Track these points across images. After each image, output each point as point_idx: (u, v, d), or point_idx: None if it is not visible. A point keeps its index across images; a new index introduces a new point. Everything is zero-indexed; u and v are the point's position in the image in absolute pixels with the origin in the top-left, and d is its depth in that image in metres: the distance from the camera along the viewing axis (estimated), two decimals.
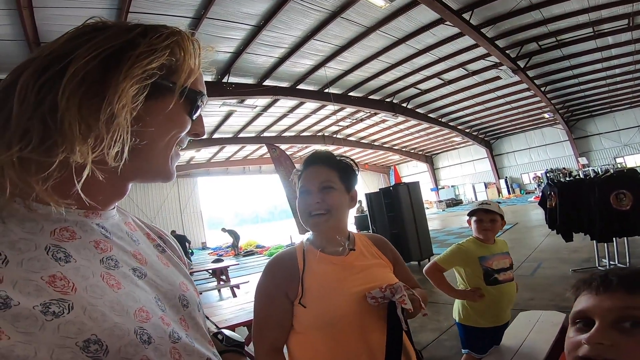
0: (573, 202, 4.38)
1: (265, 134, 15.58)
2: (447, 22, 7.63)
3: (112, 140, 0.39)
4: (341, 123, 15.91)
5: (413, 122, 16.05)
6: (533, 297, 3.87)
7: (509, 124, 20.24)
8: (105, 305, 0.40)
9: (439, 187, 26.95)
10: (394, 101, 13.50)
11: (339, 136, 18.09)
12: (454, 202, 24.48)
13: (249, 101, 10.77)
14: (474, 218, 2.02)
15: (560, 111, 17.09)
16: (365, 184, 27.70)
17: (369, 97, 12.72)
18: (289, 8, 6.67)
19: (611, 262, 4.47)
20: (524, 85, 12.71)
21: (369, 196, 7.75)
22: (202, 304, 0.60)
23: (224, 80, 8.97)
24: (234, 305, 3.39)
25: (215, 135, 14.22)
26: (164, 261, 0.57)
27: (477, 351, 1.89)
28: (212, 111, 11.39)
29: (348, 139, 18.97)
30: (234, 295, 5.97)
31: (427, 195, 26.70)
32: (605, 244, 4.41)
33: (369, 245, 1.12)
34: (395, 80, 11.61)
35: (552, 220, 4.67)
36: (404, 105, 14.09)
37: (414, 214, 6.99)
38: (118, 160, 0.41)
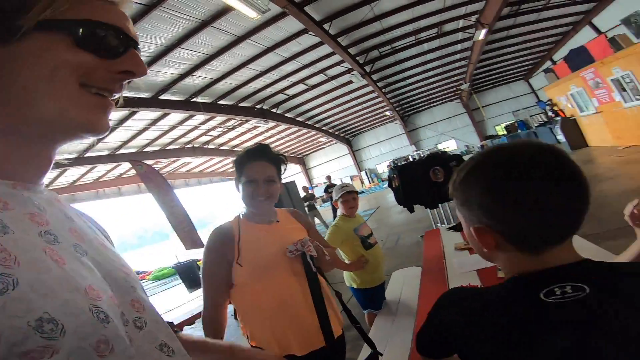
0: (409, 181, 5.49)
1: (122, 151, 13.68)
2: (310, 32, 8.40)
3: None
4: (212, 133, 15.41)
5: (283, 126, 16.85)
6: (400, 262, 4.74)
7: (362, 122, 23.45)
8: (54, 280, 0.36)
9: (314, 185, 29.03)
10: (264, 107, 13.93)
11: (210, 146, 17.41)
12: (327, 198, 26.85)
13: None
14: (341, 200, 2.52)
15: (396, 109, 20.90)
16: None
17: (240, 105, 12.76)
18: (153, 16, 6.24)
19: (443, 225, 5.65)
20: (370, 88, 14.94)
21: None
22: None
23: None
24: None
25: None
26: (101, 241, 0.52)
27: (374, 307, 2.41)
28: None
29: (220, 148, 18.47)
30: None
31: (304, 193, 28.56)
32: (435, 211, 5.74)
33: (288, 216, 1.50)
34: (264, 87, 12.02)
35: (398, 198, 5.80)
36: (274, 110, 14.70)
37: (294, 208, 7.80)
38: None
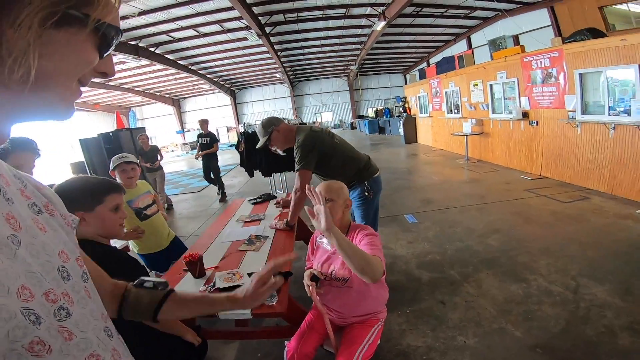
0: (253, 148, 5.52)
1: None
2: None
3: (16, 63, 0.35)
4: None
5: (160, 66, 14.67)
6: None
7: (251, 78, 22.46)
8: None
9: (185, 130, 26.71)
10: (140, 44, 11.78)
11: None
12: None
13: None
14: (117, 170, 2.43)
15: (287, 73, 20.87)
16: (96, 125, 23.05)
17: None
18: None
19: (279, 192, 6.47)
20: (265, 48, 14.37)
21: (85, 142, 7.43)
22: (88, 272, 0.54)
23: None
24: None
25: None
26: (40, 225, 0.48)
27: (159, 270, 2.49)
28: None
29: None
30: None
31: (174, 137, 26.03)
32: (272, 178, 6.52)
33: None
34: (145, 26, 10.13)
35: (242, 161, 6.20)
36: (152, 49, 12.60)
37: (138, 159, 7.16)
38: (23, 83, 0.36)
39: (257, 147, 2.60)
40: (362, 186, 2.46)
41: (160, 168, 6.53)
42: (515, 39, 9.71)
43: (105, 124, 22.96)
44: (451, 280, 2.99)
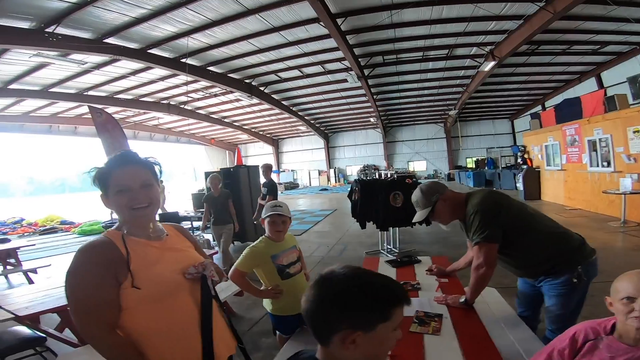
0: (368, 197, 5.38)
1: (92, 93, 12.55)
2: (321, 23, 8.04)
3: None
4: (192, 95, 14.50)
5: (266, 105, 16.29)
6: None
7: (345, 121, 23.37)
8: None
9: (281, 170, 28.61)
10: (253, 83, 13.31)
11: (187, 107, 16.41)
12: (292, 186, 26.62)
13: (77, 56, 8.51)
14: (268, 219, 2.20)
15: (382, 117, 21.04)
16: (210, 160, 26.40)
17: (229, 75, 12.08)
18: None
19: (388, 246, 5.78)
20: (362, 91, 14.81)
21: (208, 175, 7.55)
22: None
23: (49, 30, 7.06)
24: (35, 292, 2.97)
25: (14, 86, 10.66)
26: None
27: (285, 333, 2.24)
28: (17, 60, 8.65)
29: (196, 111, 17.49)
30: (30, 281, 4.97)
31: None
32: (385, 232, 5.69)
33: (176, 232, 1.35)
34: (259, 64, 11.44)
35: (354, 210, 5.67)
36: (262, 89, 14.10)
37: (251, 196, 7.16)
38: None
39: (414, 220, 2.21)
40: (571, 272, 1.83)
41: (231, 222, 5.18)
42: None
43: (217, 160, 26.15)
44: None
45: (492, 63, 10.72)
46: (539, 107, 17.91)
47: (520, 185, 11.71)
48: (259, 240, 2.23)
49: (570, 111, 8.97)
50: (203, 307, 1.19)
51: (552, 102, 15.63)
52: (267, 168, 5.98)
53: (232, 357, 1.33)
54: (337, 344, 0.72)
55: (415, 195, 2.09)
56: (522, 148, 14.84)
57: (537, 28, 8.41)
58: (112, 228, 1.19)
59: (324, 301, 0.73)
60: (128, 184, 1.13)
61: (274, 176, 26.90)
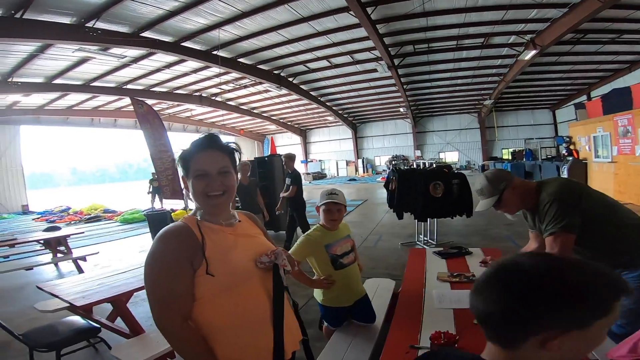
0: (406, 188, 5.20)
1: (130, 86, 13.12)
2: (351, 12, 7.86)
3: None
4: (223, 87, 14.78)
5: (295, 96, 16.30)
6: (374, 265, 4.59)
7: (373, 111, 22.94)
8: None
9: (309, 160, 28.71)
10: (282, 74, 13.33)
11: (218, 99, 16.76)
12: (319, 176, 26.68)
13: (116, 50, 8.85)
14: (323, 207, 2.12)
15: (411, 107, 20.44)
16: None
17: (258, 66, 12.18)
18: None
19: (425, 238, 5.59)
20: (392, 81, 14.42)
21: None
22: None
23: (89, 24, 7.33)
24: (88, 281, 2.88)
25: (59, 81, 11.25)
26: None
27: (333, 325, 2.20)
28: (60, 55, 9.09)
29: (227, 102, 17.82)
30: (80, 269, 5.07)
31: (297, 166, 28.24)
32: (422, 223, 5.51)
33: (245, 217, 1.32)
34: (287, 55, 11.43)
35: (390, 201, 5.50)
36: (290, 79, 14.10)
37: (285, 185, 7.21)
38: None
39: (477, 209, 2.09)
40: None
41: (260, 211, 5.16)
42: None
43: (246, 150, 26.63)
44: None
45: (533, 52, 10.05)
46: (584, 97, 16.69)
47: (565, 177, 11.02)
48: (313, 228, 2.18)
49: (619, 101, 8.34)
50: (275, 299, 1.13)
51: (598, 92, 14.49)
52: (289, 158, 5.63)
53: (295, 353, 1.25)
54: (533, 347, 0.59)
55: (480, 183, 1.97)
56: (567, 139, 13.94)
57: (584, 17, 7.78)
58: (195, 213, 1.18)
59: (519, 301, 0.59)
60: (206, 169, 1.12)
61: (301, 166, 27.18)
